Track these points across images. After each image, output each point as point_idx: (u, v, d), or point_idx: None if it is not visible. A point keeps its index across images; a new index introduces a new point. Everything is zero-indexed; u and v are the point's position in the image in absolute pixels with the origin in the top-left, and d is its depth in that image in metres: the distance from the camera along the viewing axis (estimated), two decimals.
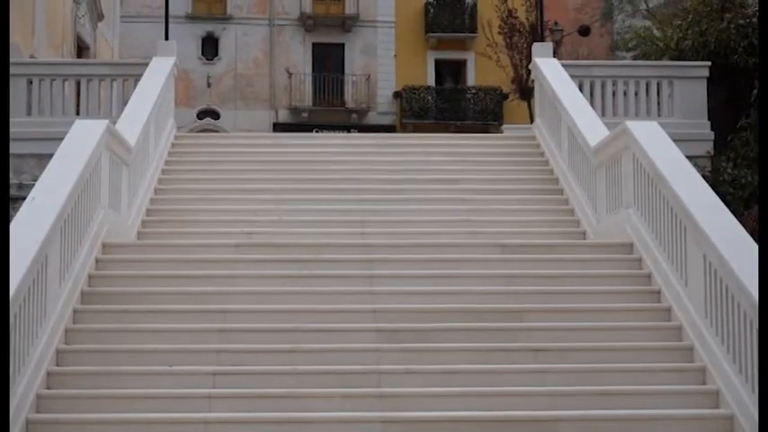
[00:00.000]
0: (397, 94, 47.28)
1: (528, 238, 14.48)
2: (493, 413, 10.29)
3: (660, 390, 10.70)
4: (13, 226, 10.95)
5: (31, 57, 22.06)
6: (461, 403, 10.49)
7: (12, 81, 18.35)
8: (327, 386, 10.64)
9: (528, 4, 34.03)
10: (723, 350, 10.47)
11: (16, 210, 11.61)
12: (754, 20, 19.66)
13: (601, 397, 10.58)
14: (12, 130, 17.99)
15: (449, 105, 46.55)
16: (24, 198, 11.81)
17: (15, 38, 21.64)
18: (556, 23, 38.43)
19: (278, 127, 44.23)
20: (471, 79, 47.38)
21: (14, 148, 18.00)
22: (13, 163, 18.20)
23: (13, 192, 17.94)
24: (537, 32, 25.77)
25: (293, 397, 10.54)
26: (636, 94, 18.44)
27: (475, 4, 46.08)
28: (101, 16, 29.10)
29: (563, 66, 18.44)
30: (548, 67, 18.36)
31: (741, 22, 19.69)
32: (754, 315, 9.66)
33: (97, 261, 12.89)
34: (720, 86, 18.77)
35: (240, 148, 19.00)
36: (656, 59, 20.77)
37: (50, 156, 12.60)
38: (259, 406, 10.43)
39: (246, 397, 10.56)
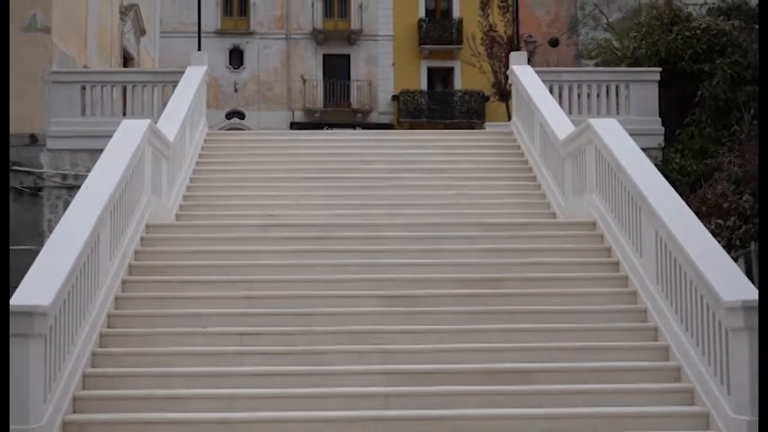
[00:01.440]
0: (394, 97, 47.19)
1: (506, 218, 14.48)
2: (478, 366, 10.37)
3: (620, 346, 10.77)
4: (69, 210, 10.98)
5: (85, 66, 22.01)
6: (450, 357, 10.55)
7: (68, 87, 18.41)
8: (338, 343, 10.72)
9: (506, 19, 33.82)
10: (672, 311, 10.50)
11: (73, 197, 11.62)
12: (698, 32, 19.61)
13: (569, 352, 10.63)
14: (68, 128, 18.12)
15: (439, 106, 46.45)
16: (79, 187, 11.83)
17: (71, 50, 21.62)
18: (530, 36, 38.39)
19: (294, 125, 44.17)
20: (458, 84, 47.28)
21: (70, 144, 18.08)
22: (69, 157, 18.25)
23: (69, 181, 17.97)
24: (513, 44, 25.72)
25: (310, 353, 10.60)
26: (598, 95, 18.43)
27: (461, 20, 45.93)
28: (143, 32, 29.04)
29: (536, 72, 18.41)
30: (523, 73, 18.34)
31: (687, 33, 19.64)
32: (698, 281, 9.69)
33: (142, 239, 12.91)
34: (669, 89, 18.74)
35: (262, 144, 18.97)
36: (614, 66, 20.73)
37: (101, 150, 12.62)
38: (281, 361, 10.50)
39: (270, 353, 10.62)
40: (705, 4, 21.85)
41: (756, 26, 19.94)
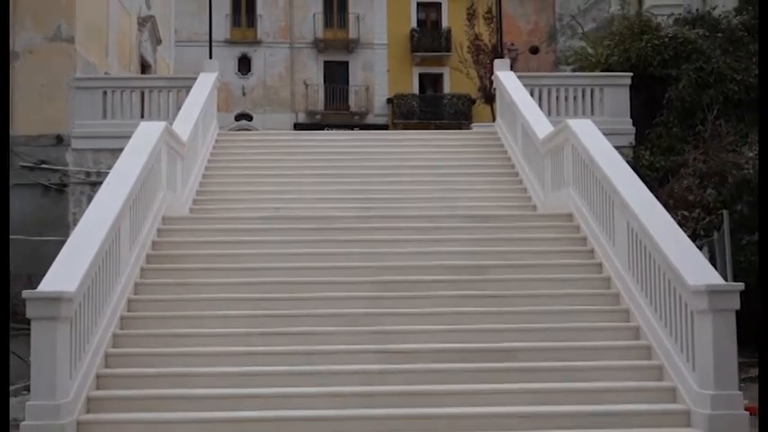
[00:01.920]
0: (389, 100, 47.14)
1: (491, 211, 14.45)
2: (465, 345, 10.39)
3: (595, 326, 10.78)
4: (92, 205, 10.98)
5: (106, 73, 21.97)
6: (440, 337, 10.56)
7: (90, 92, 18.35)
8: (338, 325, 10.74)
9: (490, 29, 33.79)
10: (643, 295, 10.52)
11: (95, 192, 11.60)
12: (666, 40, 19.59)
13: (548, 332, 10.64)
14: (90, 130, 18.08)
15: (429, 108, 46.42)
16: (101, 183, 11.81)
17: (93, 58, 21.59)
18: (512, 44, 38.27)
19: (297, 126, 44.09)
20: (447, 88, 47.24)
21: (93, 143, 18.03)
22: (92, 156, 18.21)
23: (92, 178, 17.93)
24: (497, 51, 25.72)
25: (313, 334, 10.61)
26: (574, 98, 18.41)
27: (449, 30, 45.89)
28: (159, 41, 28.98)
29: (518, 77, 18.36)
30: (506, 78, 18.31)
31: (656, 41, 19.63)
32: (666, 267, 9.70)
33: (159, 231, 12.88)
34: (639, 92, 18.72)
35: (268, 143, 18.92)
36: (589, 71, 20.68)
37: (121, 150, 12.59)
38: (285, 341, 10.51)
39: (277, 334, 10.63)
40: (672, 14, 21.78)
41: (719, 35, 19.97)
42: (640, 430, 9.02)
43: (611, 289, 11.43)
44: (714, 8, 21.52)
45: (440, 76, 47.74)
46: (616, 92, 18.38)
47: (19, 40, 20.29)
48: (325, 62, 47.25)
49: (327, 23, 47.12)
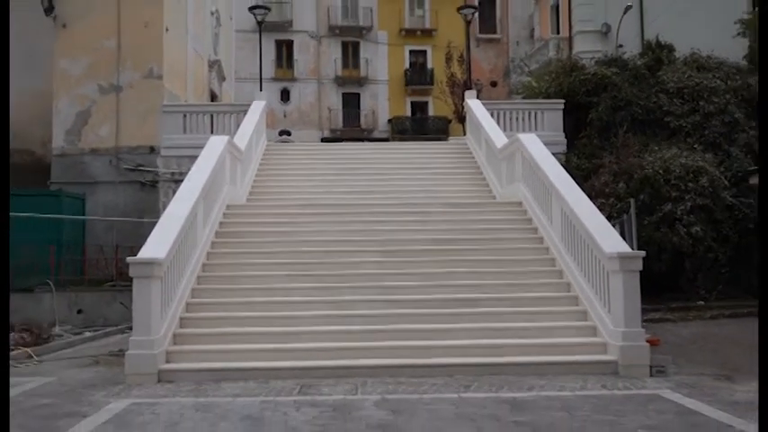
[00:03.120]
0: (389, 121, 46.87)
1: (463, 200, 14.45)
2: (444, 296, 10.40)
3: (538, 282, 10.79)
4: (176, 196, 10.98)
5: (185, 101, 21.91)
6: (428, 290, 10.58)
7: (174, 115, 18.25)
8: (352, 281, 10.73)
9: (462, 69, 33.59)
10: (572, 260, 10.53)
11: (178, 187, 11.60)
12: (589, 76, 19.45)
13: (504, 286, 10.64)
14: (174, 142, 17.97)
15: (418, 126, 46.12)
16: (182, 180, 11.81)
17: (176, 90, 21.51)
18: (478, 80, 38.04)
19: (323, 140, 43.79)
20: (431, 111, 46.89)
21: (176, 152, 17.95)
22: (175, 161, 18.10)
23: (176, 177, 17.84)
24: (467, 85, 25.51)
25: (337, 287, 10.61)
26: (523, 118, 18.31)
27: (432, 70, 45.65)
28: (224, 78, 28.89)
29: (482, 103, 18.34)
30: (474, 104, 18.29)
31: (582, 77, 19.52)
32: (589, 240, 9.70)
33: (224, 214, 12.90)
34: (570, 114, 18.61)
35: (301, 151, 18.86)
36: (534, 99, 20.58)
37: (196, 156, 12.60)
38: (317, 292, 10.52)
39: (310, 288, 10.63)
40: (593, 57, 21.62)
41: (627, 72, 19.84)
42: (571, 357, 9.05)
43: (549, 255, 11.45)
44: (624, 53, 21.36)
45: (425, 103, 47.37)
46: (553, 114, 18.32)
47: (122, 77, 20.25)
48: (343, 93, 46.98)
49: (345, 65, 46.80)
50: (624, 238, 10.38)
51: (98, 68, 20.20)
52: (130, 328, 9.21)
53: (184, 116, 18.29)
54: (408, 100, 47.76)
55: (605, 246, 9.24)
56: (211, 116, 18.44)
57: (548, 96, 19.71)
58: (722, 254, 16.88)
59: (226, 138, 13.53)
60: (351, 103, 47.24)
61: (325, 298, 10.31)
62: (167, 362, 8.92)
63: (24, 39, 22.06)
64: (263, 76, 25.32)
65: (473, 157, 17.35)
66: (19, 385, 8.69)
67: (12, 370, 10.00)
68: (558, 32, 27.62)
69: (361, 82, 47.10)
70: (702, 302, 16.35)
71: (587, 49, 23.82)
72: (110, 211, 19.37)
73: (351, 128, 46.37)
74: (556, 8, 27.81)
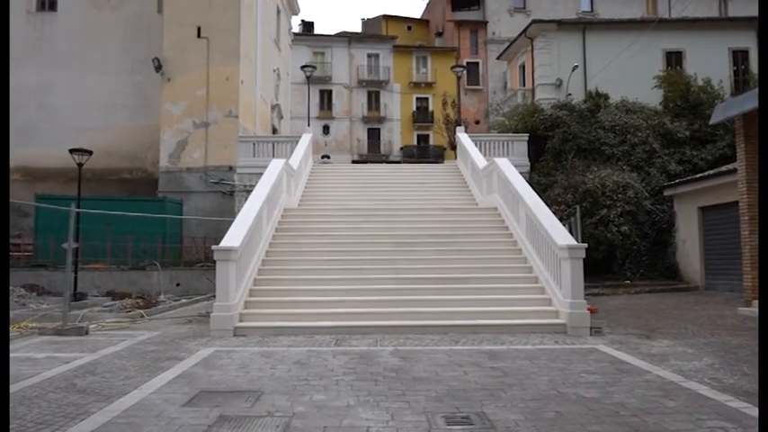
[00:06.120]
0: (401, 148, 46.81)
1: (454, 205, 14.34)
2: (441, 275, 10.30)
3: (509, 266, 10.64)
4: (247, 203, 10.96)
5: (254, 134, 21.98)
6: (429, 271, 10.48)
7: (246, 144, 18.31)
8: (373, 264, 10.66)
9: (454, 111, 33.53)
10: (534, 251, 10.40)
11: (249, 196, 11.61)
12: (546, 116, 19.36)
13: (484, 270, 10.50)
14: (246, 163, 17.98)
15: (422, 152, 45.88)
16: (252, 191, 11.83)
17: (247, 126, 21.59)
18: (465, 119, 37.77)
19: (353, 162, 43.83)
20: (431, 142, 46.75)
21: (248, 170, 17.97)
22: (247, 177, 18.13)
23: (248, 189, 17.84)
24: (458, 122, 25.40)
25: (361, 269, 10.52)
26: (499, 147, 18.21)
27: (432, 112, 45.53)
28: (282, 116, 28.93)
29: (469, 136, 18.21)
30: (462, 136, 18.15)
31: (541, 117, 19.46)
32: (546, 235, 9.58)
33: (282, 215, 12.88)
34: (532, 144, 18.51)
35: (339, 170, 18.85)
36: (506, 133, 20.45)
37: (262, 174, 12.59)
38: (348, 272, 10.43)
39: (342, 269, 10.55)
40: (550, 103, 21.46)
41: (574, 113, 19.68)
42: (532, 321, 8.95)
43: (517, 246, 11.33)
44: (572, 100, 21.20)
45: (427, 135, 47.07)
46: (520, 144, 18.20)
47: (209, 116, 20.43)
48: (368, 128, 46.86)
49: (369, 108, 46.69)
50: (572, 234, 10.27)
51: (192, 110, 20.44)
52: (214, 297, 9.25)
53: (254, 144, 18.36)
54: (415, 133, 47.61)
55: (558, 239, 9.15)
56: (273, 144, 18.49)
57: (516, 131, 19.60)
58: (643, 246, 16.93)
59: (283, 160, 13.54)
60: (373, 135, 47.19)
61: (353, 276, 10.29)
62: (240, 321, 8.92)
63: (142, 90, 22.43)
64: (310, 116, 25.39)
65: (461, 175, 17.26)
66: (135, 336, 8.76)
67: (130, 325, 10.10)
68: (524, 85, 27.42)
69: (381, 120, 47.06)
70: (629, 282, 16.29)
71: (545, 96, 23.64)
72: (200, 212, 19.57)
73: (373, 153, 46.29)
74: (522, 68, 27.63)
